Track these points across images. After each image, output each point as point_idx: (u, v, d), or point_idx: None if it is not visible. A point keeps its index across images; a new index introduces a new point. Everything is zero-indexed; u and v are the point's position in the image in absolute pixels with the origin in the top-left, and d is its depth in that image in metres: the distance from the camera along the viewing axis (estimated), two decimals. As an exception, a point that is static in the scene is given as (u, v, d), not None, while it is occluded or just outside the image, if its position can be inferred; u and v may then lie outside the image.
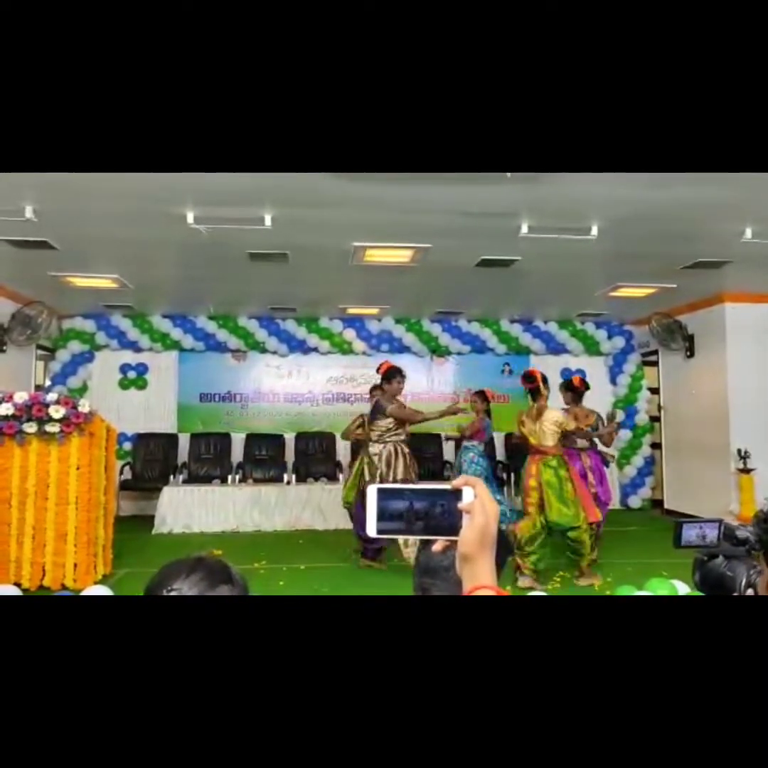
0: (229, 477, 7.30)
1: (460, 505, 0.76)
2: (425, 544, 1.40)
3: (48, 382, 7.43)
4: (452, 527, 0.76)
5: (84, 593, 3.90)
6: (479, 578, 0.75)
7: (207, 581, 0.95)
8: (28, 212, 4.03)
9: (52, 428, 4.36)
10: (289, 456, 7.81)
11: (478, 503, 0.76)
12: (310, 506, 6.79)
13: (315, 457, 7.71)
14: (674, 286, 6.08)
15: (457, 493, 0.77)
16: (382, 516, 0.77)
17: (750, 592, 0.92)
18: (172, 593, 0.93)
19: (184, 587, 0.93)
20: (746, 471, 6.31)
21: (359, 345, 7.89)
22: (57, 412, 4.35)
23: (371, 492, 0.78)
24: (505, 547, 1.20)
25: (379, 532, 0.77)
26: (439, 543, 0.79)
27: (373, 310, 7.57)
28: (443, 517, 0.77)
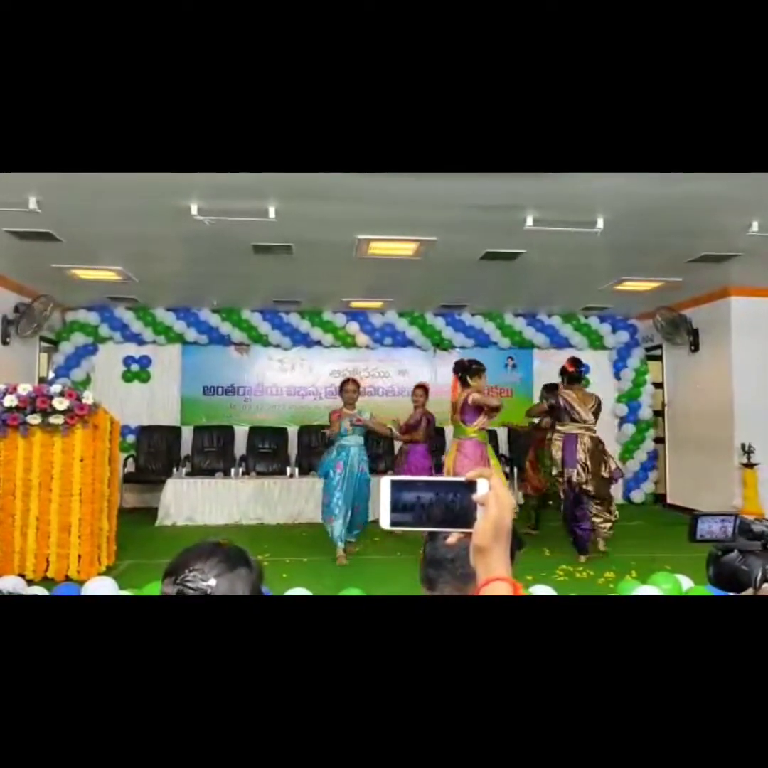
0: (233, 470, 7.30)
1: (475, 497, 0.75)
2: (431, 536, 1.39)
3: (51, 375, 7.44)
4: (466, 519, 0.76)
5: (88, 585, 3.91)
6: (493, 570, 0.74)
7: (226, 563, 0.97)
8: (32, 203, 4.02)
9: (56, 420, 4.36)
10: (292, 449, 7.81)
11: (492, 495, 0.75)
12: (313, 499, 6.77)
13: (318, 450, 7.69)
14: (679, 280, 6.06)
15: (471, 485, 0.76)
16: (395, 508, 0.76)
17: (765, 586, 0.91)
18: (195, 574, 0.94)
19: (206, 568, 0.95)
20: (750, 466, 6.30)
21: (362, 338, 7.88)
22: (61, 403, 4.35)
23: (385, 484, 0.77)
24: (515, 541, 1.19)
25: (393, 524, 0.77)
26: (453, 535, 0.78)
27: (377, 304, 7.56)
28: (457, 509, 0.76)
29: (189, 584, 0.95)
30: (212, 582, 0.95)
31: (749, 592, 0.95)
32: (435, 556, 1.35)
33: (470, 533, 0.76)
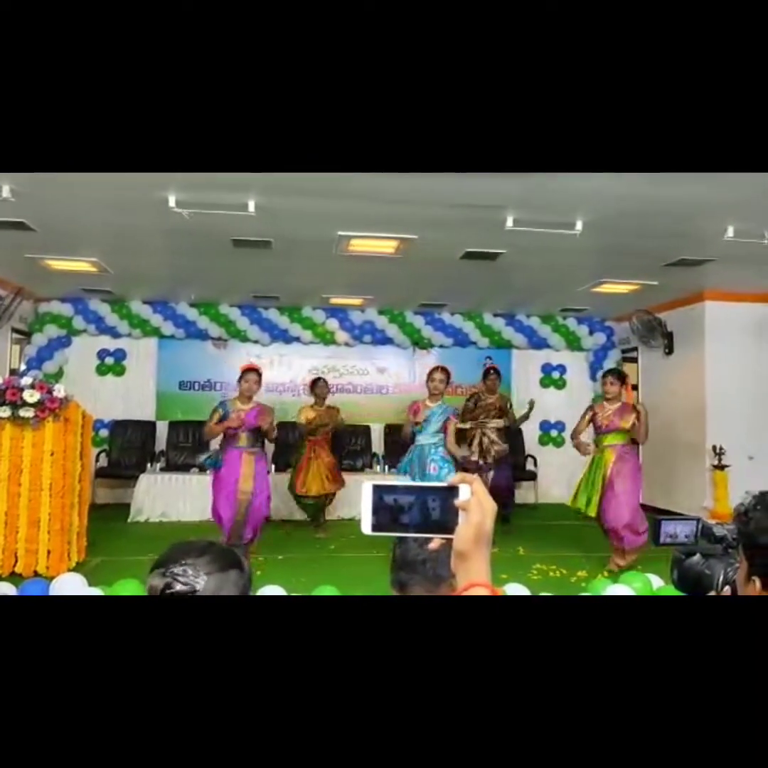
0: (199, 468, 7.22)
1: (457, 501, 0.75)
2: (400, 539, 1.38)
3: (23, 367, 7.29)
4: (448, 524, 0.75)
5: (56, 581, 3.84)
6: (474, 576, 0.74)
7: (219, 563, 0.96)
8: (5, 192, 3.93)
9: (27, 413, 4.28)
10: (269, 446, 7.73)
11: (474, 500, 0.75)
12: (289, 497, 6.75)
13: (295, 446, 7.65)
14: (656, 283, 6.13)
15: (453, 490, 0.75)
16: (376, 513, 0.76)
17: (727, 589, 0.92)
18: (185, 568, 0.93)
19: (198, 564, 0.94)
20: (721, 468, 6.40)
21: (342, 336, 7.86)
22: (31, 396, 4.27)
23: (367, 489, 0.77)
24: None
25: (374, 529, 0.76)
26: (435, 541, 0.78)
27: (357, 301, 7.54)
28: (439, 514, 0.75)
29: (179, 578, 0.93)
30: (203, 579, 0.94)
31: (712, 595, 0.96)
32: (406, 558, 1.34)
33: (451, 539, 0.75)
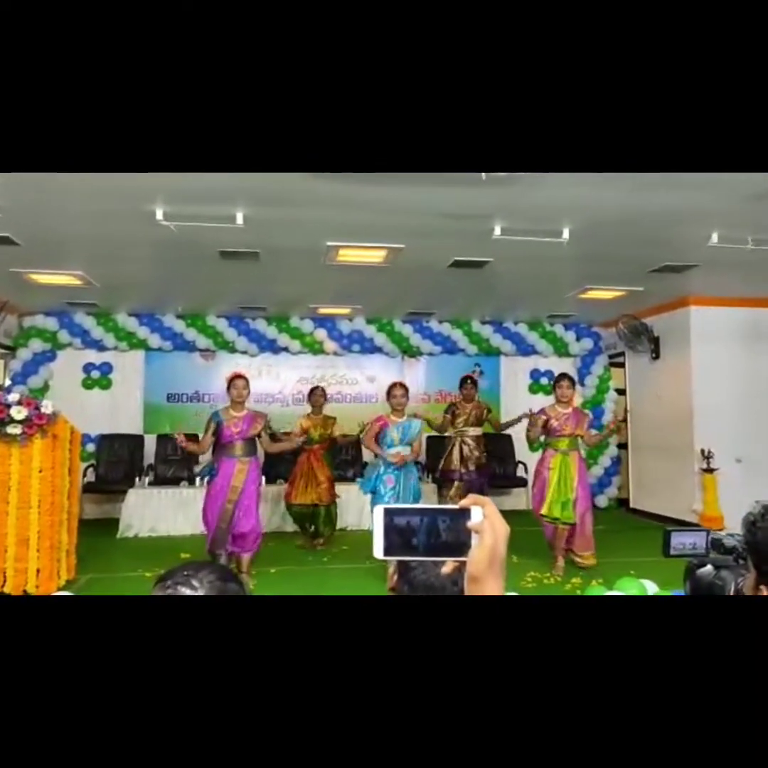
0: (197, 479, 7.17)
1: (469, 524, 0.75)
2: (405, 569, 1.36)
3: (8, 381, 7.21)
4: (461, 548, 0.75)
5: (46, 600, 3.78)
6: None
7: (218, 574, 0.97)
8: (-11, 206, 3.90)
9: (14, 430, 4.21)
10: (259, 457, 7.70)
11: (487, 523, 0.74)
12: (280, 509, 6.72)
13: (285, 458, 7.61)
14: (641, 289, 6.20)
15: (465, 513, 0.75)
16: (388, 536, 0.76)
17: (738, 600, 0.93)
18: (187, 578, 0.94)
19: (200, 575, 0.95)
20: (709, 471, 6.46)
21: (330, 345, 7.85)
22: (19, 413, 4.21)
23: (378, 512, 0.76)
24: None
25: (386, 553, 0.76)
26: (448, 564, 0.78)
27: (345, 310, 7.54)
28: (451, 537, 0.75)
29: (181, 586, 0.94)
30: (205, 587, 0.95)
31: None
32: (427, 582, 1.29)
33: (464, 562, 0.75)
